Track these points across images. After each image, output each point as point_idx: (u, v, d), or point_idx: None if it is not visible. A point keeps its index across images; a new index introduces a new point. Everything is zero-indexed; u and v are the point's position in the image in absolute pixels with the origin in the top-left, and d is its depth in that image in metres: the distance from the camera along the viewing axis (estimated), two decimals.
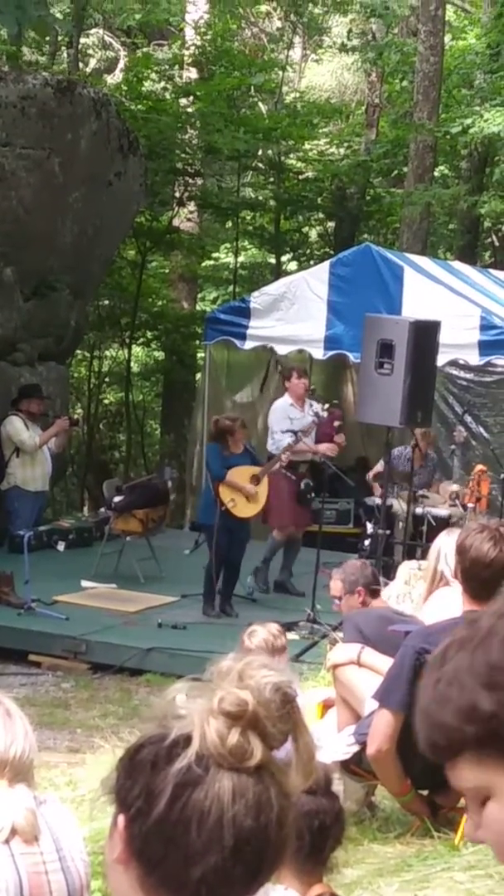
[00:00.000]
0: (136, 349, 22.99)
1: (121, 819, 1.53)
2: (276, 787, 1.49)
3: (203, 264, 23.97)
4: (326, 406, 12.42)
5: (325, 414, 12.20)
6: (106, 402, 24.99)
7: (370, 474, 13.56)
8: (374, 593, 6.69)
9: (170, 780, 1.47)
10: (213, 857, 1.46)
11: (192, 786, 1.46)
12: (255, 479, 11.31)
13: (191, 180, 21.04)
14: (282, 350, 14.80)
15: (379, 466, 12.83)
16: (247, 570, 11.65)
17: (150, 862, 1.49)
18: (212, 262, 24.58)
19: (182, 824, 1.46)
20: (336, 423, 12.72)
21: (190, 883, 1.47)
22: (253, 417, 15.20)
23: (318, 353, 14.56)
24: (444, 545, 6.00)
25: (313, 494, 12.25)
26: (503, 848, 1.46)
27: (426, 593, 6.23)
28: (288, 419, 12.03)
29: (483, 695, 1.38)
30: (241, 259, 23.60)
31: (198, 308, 22.89)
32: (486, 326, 13.25)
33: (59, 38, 21.78)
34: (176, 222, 21.59)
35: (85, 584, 12.12)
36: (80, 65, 21.93)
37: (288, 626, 10.19)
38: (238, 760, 1.47)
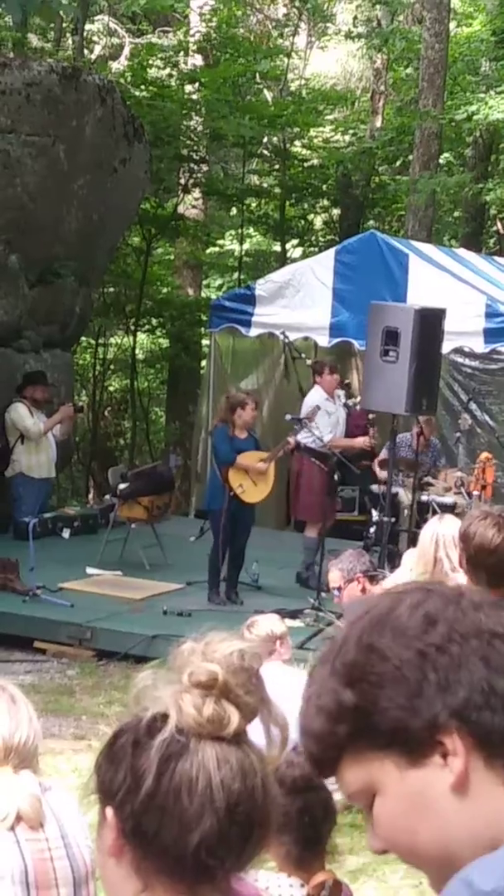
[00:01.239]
0: (141, 336, 22.95)
1: (108, 811, 1.54)
2: (256, 754, 1.53)
3: (208, 251, 23.94)
4: (359, 399, 12.46)
5: (352, 402, 12.25)
6: (111, 389, 24.95)
7: (376, 462, 13.56)
8: (373, 579, 6.71)
9: (153, 756, 1.50)
10: (208, 820, 1.48)
11: (176, 757, 1.49)
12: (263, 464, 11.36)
13: (196, 167, 20.99)
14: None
15: (384, 453, 12.83)
16: (251, 557, 11.65)
17: (145, 837, 1.51)
18: (217, 250, 24.54)
19: (173, 794, 1.49)
20: (371, 416, 12.80)
21: (188, 851, 1.48)
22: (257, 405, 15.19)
23: (324, 340, 14.55)
24: (441, 533, 5.91)
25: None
26: (397, 845, 1.46)
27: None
28: (326, 413, 12.05)
29: (345, 692, 1.42)
30: (246, 246, 23.55)
31: (203, 295, 22.85)
32: (491, 314, 13.23)
33: (65, 24, 21.73)
34: (181, 209, 21.55)
35: (90, 571, 12.12)
36: (86, 51, 21.88)
37: (293, 614, 10.22)
38: (217, 729, 1.50)
